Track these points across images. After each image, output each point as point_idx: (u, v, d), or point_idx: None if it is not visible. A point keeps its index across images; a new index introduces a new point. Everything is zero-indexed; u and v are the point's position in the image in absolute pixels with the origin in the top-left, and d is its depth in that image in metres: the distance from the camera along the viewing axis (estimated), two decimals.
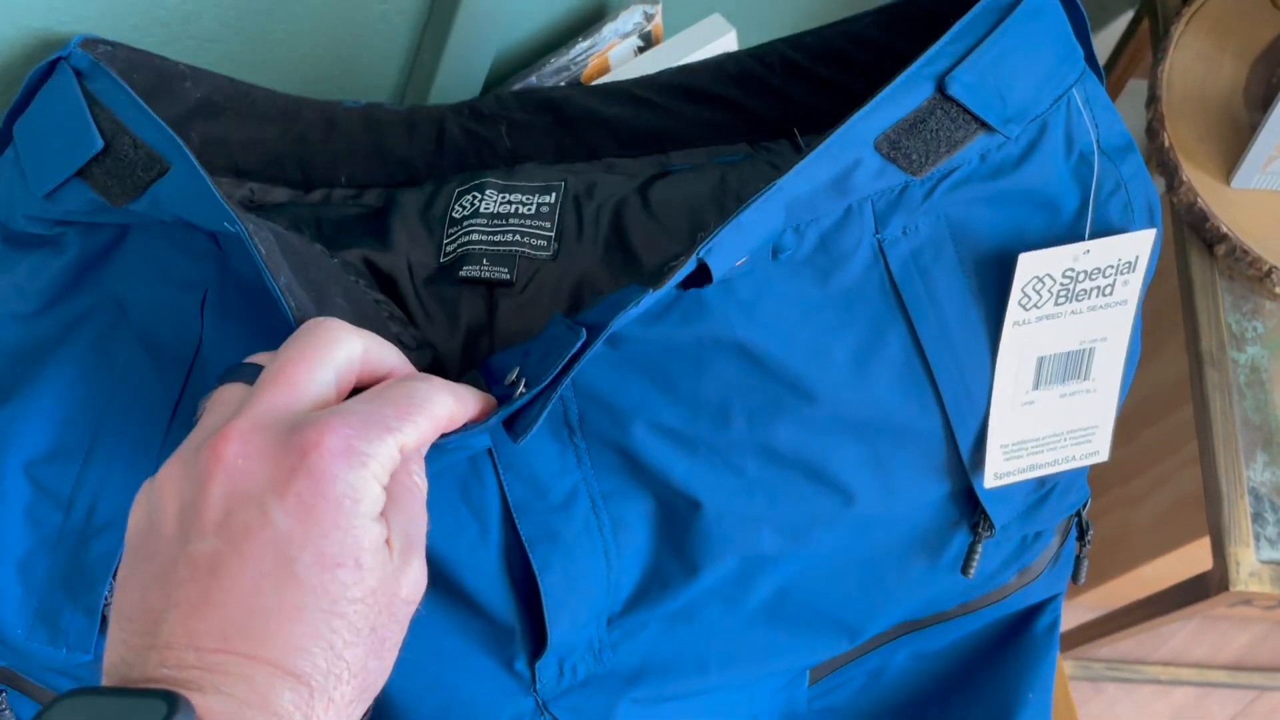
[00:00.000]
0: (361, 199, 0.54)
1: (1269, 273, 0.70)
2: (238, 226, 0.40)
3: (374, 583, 0.33)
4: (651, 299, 0.39)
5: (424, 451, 0.37)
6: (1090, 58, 0.49)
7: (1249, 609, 1.15)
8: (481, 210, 0.50)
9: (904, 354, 0.45)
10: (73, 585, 0.45)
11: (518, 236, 0.50)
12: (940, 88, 0.44)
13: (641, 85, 0.55)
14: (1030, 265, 0.45)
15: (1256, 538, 0.66)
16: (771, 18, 0.80)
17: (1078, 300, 0.47)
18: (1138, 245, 0.47)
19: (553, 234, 0.50)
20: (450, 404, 0.37)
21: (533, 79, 0.63)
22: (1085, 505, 0.55)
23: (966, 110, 0.44)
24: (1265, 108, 0.71)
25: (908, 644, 0.56)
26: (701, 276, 0.41)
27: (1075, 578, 0.57)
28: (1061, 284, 0.47)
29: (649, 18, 0.65)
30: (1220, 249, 0.71)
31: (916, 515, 0.48)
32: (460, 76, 0.60)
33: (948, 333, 0.46)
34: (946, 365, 0.46)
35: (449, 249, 0.50)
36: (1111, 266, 0.47)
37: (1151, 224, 0.48)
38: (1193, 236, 0.72)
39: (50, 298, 0.47)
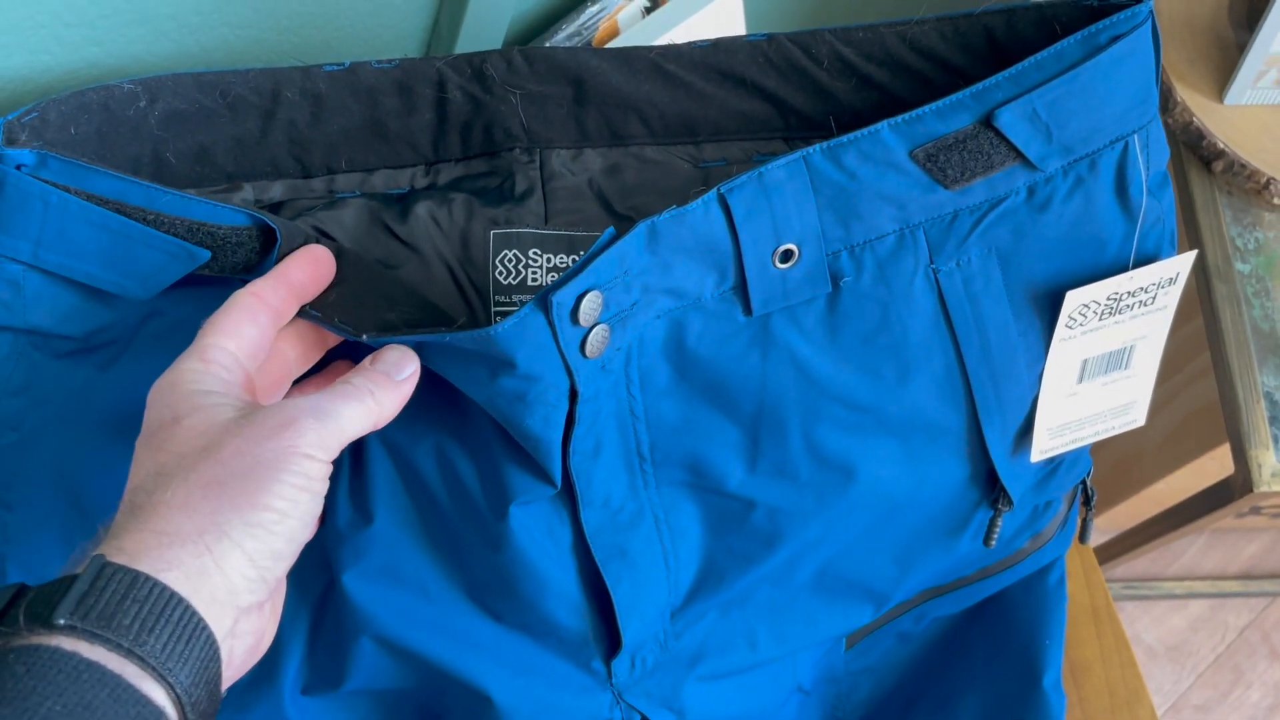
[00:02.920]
0: (370, 186, 0.52)
1: (1267, 184, 0.72)
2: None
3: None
4: (675, 212, 0.42)
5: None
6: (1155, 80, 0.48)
7: (1257, 518, 1.18)
8: (529, 282, 0.51)
9: (946, 369, 0.48)
10: None
11: None
12: (987, 119, 0.45)
13: (669, 58, 0.51)
14: (1076, 297, 0.48)
15: (1275, 440, 0.68)
16: None
17: (1121, 314, 0.50)
18: (1179, 265, 0.49)
19: None
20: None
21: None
22: (1089, 474, 0.58)
23: (1007, 140, 0.45)
24: (1250, 26, 0.73)
25: (932, 609, 0.59)
26: (747, 294, 0.45)
27: (1082, 538, 0.61)
28: (1106, 305, 0.49)
29: None
30: (1218, 165, 0.73)
31: (942, 496, 0.51)
32: (479, 44, 0.61)
33: (988, 349, 0.48)
34: (982, 377, 0.49)
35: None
36: (1154, 284, 0.49)
37: (1173, 247, 0.50)
38: (1190, 155, 0.74)
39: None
